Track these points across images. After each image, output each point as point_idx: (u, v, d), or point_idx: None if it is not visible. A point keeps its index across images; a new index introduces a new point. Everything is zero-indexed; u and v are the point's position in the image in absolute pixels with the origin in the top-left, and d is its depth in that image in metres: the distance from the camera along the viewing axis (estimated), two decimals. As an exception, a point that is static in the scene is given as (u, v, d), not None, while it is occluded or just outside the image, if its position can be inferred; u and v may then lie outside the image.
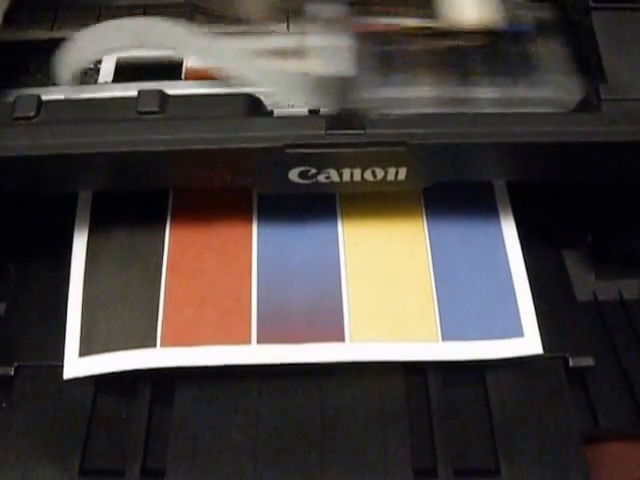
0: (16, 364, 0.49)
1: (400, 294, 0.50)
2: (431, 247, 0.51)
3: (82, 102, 0.47)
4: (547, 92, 0.51)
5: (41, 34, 0.57)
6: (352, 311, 0.49)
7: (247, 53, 0.51)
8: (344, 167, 0.46)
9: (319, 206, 0.52)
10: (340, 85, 0.49)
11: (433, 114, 0.46)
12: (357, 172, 0.46)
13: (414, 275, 0.50)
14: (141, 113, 0.45)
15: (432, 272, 0.50)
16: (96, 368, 0.47)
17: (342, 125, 0.44)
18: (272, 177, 0.47)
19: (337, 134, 0.44)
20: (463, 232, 0.52)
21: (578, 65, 0.51)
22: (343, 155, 0.45)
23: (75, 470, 0.46)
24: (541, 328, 0.50)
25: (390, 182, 0.47)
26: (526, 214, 0.54)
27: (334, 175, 0.46)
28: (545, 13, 0.54)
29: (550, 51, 0.52)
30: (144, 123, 0.45)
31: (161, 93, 0.46)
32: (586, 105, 0.47)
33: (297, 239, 0.51)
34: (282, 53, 0.53)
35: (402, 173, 0.46)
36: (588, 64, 0.49)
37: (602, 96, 0.46)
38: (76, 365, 0.47)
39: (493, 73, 0.51)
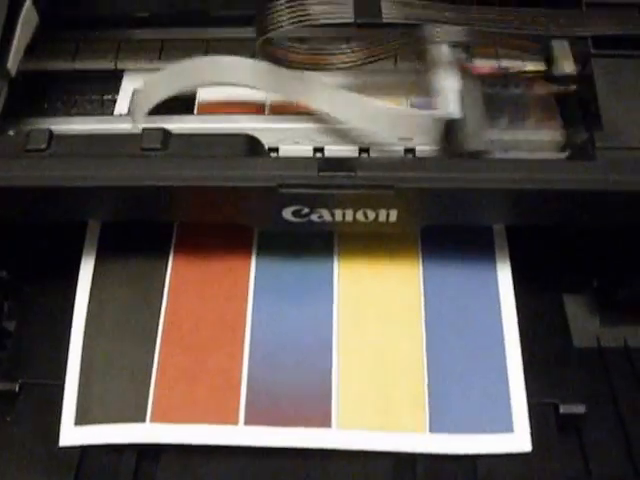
0: (21, 381, 0.51)
1: (391, 380, 0.49)
2: (426, 321, 0.51)
3: (90, 137, 0.50)
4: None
5: (62, 65, 0.60)
6: (341, 396, 0.49)
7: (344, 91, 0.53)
8: (336, 207, 0.47)
9: (316, 254, 0.53)
10: (448, 126, 0.51)
11: (423, 158, 0.47)
12: (349, 213, 0.47)
13: (407, 358, 0.50)
14: (144, 150, 0.47)
15: (425, 354, 0.50)
16: (89, 438, 0.48)
17: (334, 167, 0.45)
18: (267, 215, 0.48)
19: (328, 176, 0.45)
20: (459, 295, 0.51)
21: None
22: (334, 196, 0.46)
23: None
24: (535, 373, 0.50)
25: (382, 223, 0.48)
26: (527, 256, 0.54)
27: (326, 215, 0.48)
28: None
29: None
30: (147, 159, 0.47)
31: (164, 131, 0.48)
32: (581, 152, 0.48)
33: (292, 307, 0.51)
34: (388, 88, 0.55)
35: (393, 215, 0.47)
36: (586, 110, 0.49)
37: (597, 144, 0.46)
38: (71, 434, 0.48)
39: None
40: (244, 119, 0.55)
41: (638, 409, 0.54)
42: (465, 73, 0.54)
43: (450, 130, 0.51)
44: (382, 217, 0.48)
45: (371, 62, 0.53)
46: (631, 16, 0.50)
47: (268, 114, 0.57)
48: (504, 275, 0.52)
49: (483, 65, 0.56)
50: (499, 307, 0.51)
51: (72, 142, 0.49)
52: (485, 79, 0.55)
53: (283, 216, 0.48)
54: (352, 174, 0.45)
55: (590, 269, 0.57)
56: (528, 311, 0.53)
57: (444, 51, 0.54)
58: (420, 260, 0.52)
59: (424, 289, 0.52)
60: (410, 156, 0.49)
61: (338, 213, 0.47)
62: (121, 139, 0.49)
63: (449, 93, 0.53)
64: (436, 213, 0.49)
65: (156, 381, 0.49)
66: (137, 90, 0.56)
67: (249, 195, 0.47)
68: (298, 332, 0.50)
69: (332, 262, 0.52)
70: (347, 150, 0.54)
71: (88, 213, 0.52)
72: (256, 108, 0.57)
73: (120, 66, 0.60)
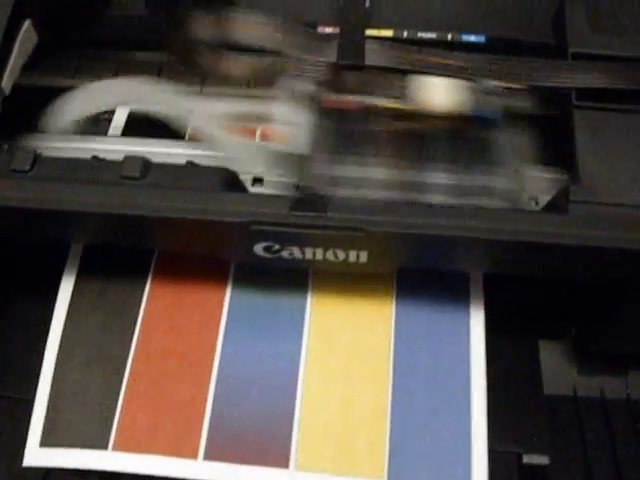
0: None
1: (353, 426, 0.49)
2: (394, 367, 0.51)
3: (73, 161, 0.50)
4: (502, 183, 0.50)
5: (63, 81, 0.60)
6: (301, 438, 0.49)
7: (218, 118, 0.53)
8: (306, 246, 0.47)
9: (291, 291, 0.53)
10: (296, 160, 0.51)
11: (396, 202, 0.47)
12: (319, 251, 0.48)
13: (371, 405, 0.50)
14: (123, 178, 0.48)
15: (390, 402, 0.50)
16: (52, 461, 0.49)
17: (305, 207, 0.46)
18: (239, 249, 0.49)
19: (299, 215, 0.46)
20: (430, 341, 0.51)
21: (547, 159, 0.51)
22: (304, 235, 0.46)
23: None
24: (502, 421, 0.50)
25: (352, 264, 0.48)
26: (505, 301, 0.54)
27: (297, 252, 0.48)
28: (519, 103, 0.53)
29: (514, 142, 0.52)
30: (124, 188, 0.48)
31: (144, 160, 0.48)
32: (556, 205, 0.47)
33: (262, 344, 0.51)
34: (249, 118, 0.55)
35: (363, 256, 0.48)
36: (564, 162, 0.49)
37: (571, 197, 0.46)
38: (35, 455, 0.49)
39: (453, 159, 0.51)
40: (183, 145, 0.55)
41: (608, 462, 0.53)
42: (320, 107, 0.53)
43: (299, 164, 0.51)
44: (352, 258, 0.48)
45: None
46: (616, 69, 0.49)
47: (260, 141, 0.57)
48: (476, 322, 0.52)
49: (340, 100, 0.54)
50: (469, 355, 0.51)
51: (55, 165, 0.50)
52: (344, 114, 0.53)
53: (255, 251, 0.48)
54: (323, 215, 0.45)
55: (569, 317, 0.57)
56: (501, 357, 0.53)
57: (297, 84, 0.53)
58: (394, 302, 0.52)
59: (395, 333, 0.51)
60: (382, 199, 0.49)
61: (309, 251, 0.48)
62: (102, 165, 0.50)
63: (300, 127, 0.52)
64: (406, 257, 0.49)
65: (121, 409, 0.50)
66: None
67: (221, 230, 0.47)
68: (265, 370, 0.50)
69: (306, 300, 0.53)
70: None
71: (67, 236, 0.53)
72: (248, 132, 0.57)
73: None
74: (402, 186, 0.51)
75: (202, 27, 0.53)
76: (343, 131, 0.52)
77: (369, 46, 0.49)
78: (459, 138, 0.52)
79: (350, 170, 0.51)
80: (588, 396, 0.56)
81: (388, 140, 0.52)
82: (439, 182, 0.51)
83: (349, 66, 0.49)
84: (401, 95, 0.52)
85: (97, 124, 0.60)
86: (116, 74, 0.61)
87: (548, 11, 0.54)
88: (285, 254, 0.48)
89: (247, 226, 0.46)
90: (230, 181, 0.49)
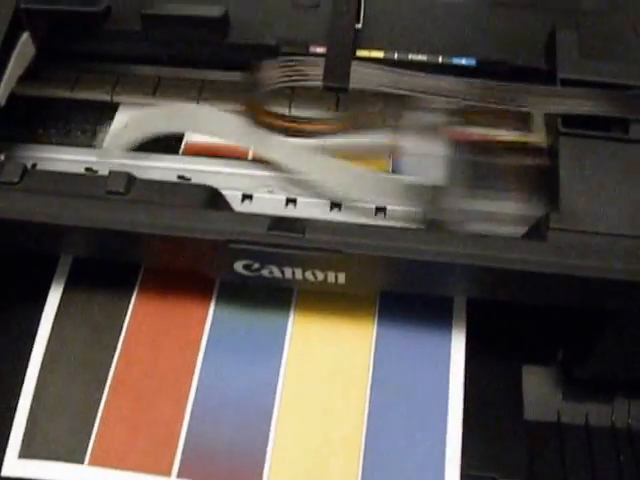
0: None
1: (327, 450, 0.49)
2: (371, 392, 0.50)
3: (61, 175, 0.51)
4: None
5: (62, 93, 0.62)
6: (274, 461, 0.49)
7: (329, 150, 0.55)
8: (285, 266, 0.48)
9: (274, 309, 0.53)
10: (429, 192, 0.51)
11: (374, 225, 0.47)
12: (298, 271, 0.48)
13: (346, 430, 0.50)
14: (108, 192, 0.49)
15: (365, 427, 0.49)
16: (31, 473, 0.49)
17: (283, 227, 0.46)
18: (221, 267, 0.49)
19: (277, 235, 0.46)
20: (409, 366, 0.51)
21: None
22: (282, 255, 0.46)
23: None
24: (479, 446, 0.50)
25: (331, 284, 0.48)
26: (490, 324, 0.53)
27: (276, 271, 0.48)
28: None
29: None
30: (108, 203, 0.48)
31: (129, 175, 0.49)
32: (536, 232, 0.47)
33: (241, 364, 0.51)
34: (374, 150, 0.56)
35: (342, 278, 0.48)
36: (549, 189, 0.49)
37: (551, 225, 0.46)
38: (14, 466, 0.50)
39: None
40: (218, 163, 0.56)
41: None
42: (448, 139, 0.54)
43: (432, 197, 0.52)
44: (331, 279, 0.48)
45: (354, 131, 0.53)
46: (603, 96, 0.49)
47: (251, 160, 0.58)
48: (457, 346, 0.52)
49: (465, 132, 0.55)
50: (447, 379, 0.51)
51: (44, 178, 0.50)
52: (469, 146, 0.55)
53: (235, 269, 0.48)
54: (300, 236, 0.46)
55: (556, 342, 0.56)
56: (483, 381, 0.53)
57: (425, 116, 0.54)
58: (375, 323, 0.52)
59: (375, 356, 0.51)
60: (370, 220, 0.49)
61: (288, 271, 0.48)
62: (88, 180, 0.51)
63: (433, 159, 0.53)
64: (385, 281, 0.49)
65: (100, 424, 0.50)
66: (116, 128, 0.59)
67: (202, 247, 0.48)
68: (242, 391, 0.51)
69: (287, 320, 0.53)
70: (319, 203, 0.55)
71: (53, 249, 0.54)
72: (240, 153, 0.58)
73: (116, 99, 0.62)
74: (530, 221, 0.51)
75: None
76: (473, 164, 0.53)
77: (355, 68, 0.49)
78: None
79: (481, 204, 0.52)
80: (572, 423, 0.56)
81: (516, 174, 0.54)
82: None
83: (333, 88, 0.49)
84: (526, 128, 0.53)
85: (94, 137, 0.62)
86: (114, 87, 0.62)
87: (540, 35, 0.54)
88: (265, 273, 0.48)
89: (226, 244, 0.46)
90: (213, 199, 0.49)
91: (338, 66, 0.49)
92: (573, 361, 0.55)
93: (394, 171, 0.56)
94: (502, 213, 0.52)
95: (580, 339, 0.53)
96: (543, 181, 0.52)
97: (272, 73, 0.51)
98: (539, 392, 0.56)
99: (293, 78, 0.51)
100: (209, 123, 0.56)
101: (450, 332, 0.52)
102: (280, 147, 0.54)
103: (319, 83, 0.49)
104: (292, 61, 0.51)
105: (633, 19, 0.57)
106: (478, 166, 0.54)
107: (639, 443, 0.54)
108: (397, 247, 0.45)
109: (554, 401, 0.56)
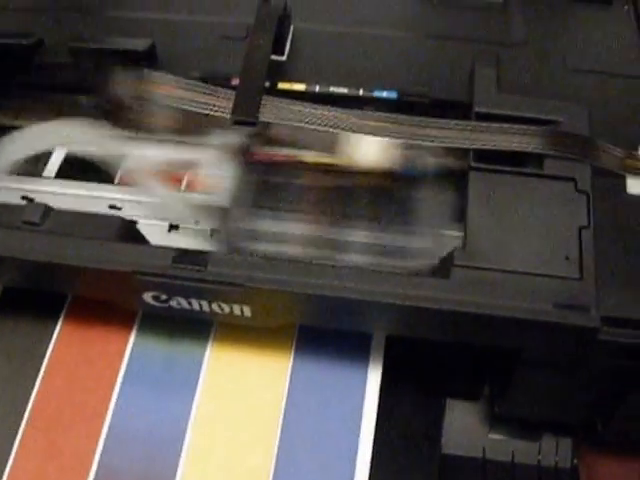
0: None
1: None
2: (282, 431, 0.50)
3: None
4: (420, 243, 0.50)
5: (5, 121, 0.62)
6: None
7: (148, 163, 0.55)
8: (191, 297, 0.48)
9: (192, 340, 0.53)
10: (217, 212, 0.52)
11: (278, 259, 0.47)
12: (204, 303, 0.48)
13: (254, 468, 0.49)
14: (24, 223, 0.49)
15: (273, 465, 0.49)
16: None
17: (187, 260, 0.46)
18: (130, 297, 0.50)
19: (180, 267, 0.46)
20: (323, 403, 0.51)
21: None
22: (186, 287, 0.47)
23: None
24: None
25: (238, 317, 0.48)
26: (411, 358, 0.53)
27: (184, 303, 0.48)
28: (449, 160, 0.53)
29: (439, 200, 0.52)
30: (23, 233, 0.49)
31: (45, 207, 0.50)
32: (441, 269, 0.47)
33: (155, 397, 0.51)
34: (177, 165, 0.55)
35: (247, 311, 0.48)
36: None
37: (455, 261, 0.46)
38: None
39: (375, 217, 0.52)
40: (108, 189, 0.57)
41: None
42: (248, 159, 0.54)
43: (220, 217, 0.52)
44: (237, 311, 0.48)
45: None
46: (514, 131, 0.49)
47: (185, 189, 0.58)
48: (372, 382, 0.51)
49: (268, 153, 0.54)
50: (360, 417, 0.50)
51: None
52: (265, 167, 0.54)
53: (145, 300, 0.49)
54: (203, 269, 0.46)
55: (481, 377, 0.56)
56: (400, 416, 0.52)
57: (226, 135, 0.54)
58: (291, 359, 0.52)
59: (288, 392, 0.51)
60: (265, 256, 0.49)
61: (194, 303, 0.48)
62: (7, 209, 0.51)
63: (224, 178, 0.53)
64: (290, 314, 0.49)
65: (15, 454, 0.50)
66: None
67: (110, 278, 0.48)
68: (154, 425, 0.51)
69: (204, 353, 0.53)
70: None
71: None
72: (176, 180, 0.58)
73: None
74: (320, 243, 0.51)
75: (122, 86, 0.54)
76: (268, 184, 0.53)
77: (266, 102, 0.49)
78: (384, 195, 0.53)
79: (270, 225, 0.52)
80: (497, 459, 0.55)
81: (313, 195, 0.53)
82: (358, 240, 0.51)
83: (242, 122, 0.49)
84: (330, 150, 0.52)
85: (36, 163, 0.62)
86: (58, 115, 0.63)
87: (464, 67, 0.54)
88: (174, 303, 0.49)
89: (132, 276, 0.47)
90: (126, 230, 0.50)
91: (248, 99, 0.49)
92: (495, 398, 0.54)
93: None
94: (291, 234, 0.52)
95: (499, 376, 0.53)
96: (337, 201, 0.52)
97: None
98: (465, 427, 0.56)
99: (203, 109, 0.51)
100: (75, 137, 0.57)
101: (366, 366, 0.52)
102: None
103: (227, 114, 0.49)
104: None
105: (563, 50, 0.56)
106: (272, 186, 0.53)
107: (565, 482, 0.54)
108: (298, 282, 0.45)
109: (480, 437, 0.56)
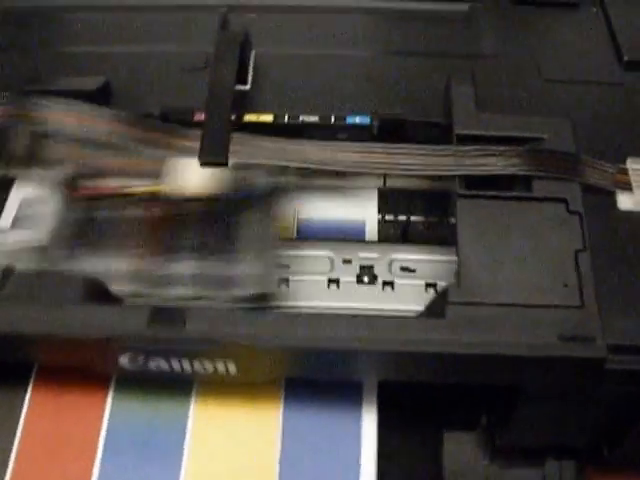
0: None
1: None
2: None
3: None
4: (246, 270, 0.47)
5: None
6: None
7: None
8: (171, 357, 0.44)
9: (173, 402, 0.49)
10: (34, 253, 0.49)
11: (260, 313, 0.44)
12: (186, 362, 0.45)
13: None
14: (-19, 289, 0.45)
15: None
16: None
17: (162, 318, 0.43)
18: (106, 362, 0.46)
19: (157, 327, 0.43)
20: (317, 460, 0.48)
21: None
22: (165, 347, 0.43)
23: None
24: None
25: (222, 375, 0.45)
26: (405, 393, 0.50)
27: (163, 364, 0.45)
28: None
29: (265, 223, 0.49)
30: (-18, 301, 0.45)
31: (4, 270, 0.46)
32: (435, 307, 0.44)
33: (138, 469, 0.48)
34: None
35: (232, 367, 0.45)
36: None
37: (449, 299, 0.43)
38: None
39: (200, 246, 0.48)
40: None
41: None
42: (68, 195, 0.51)
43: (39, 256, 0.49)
44: (221, 368, 0.45)
45: None
46: (503, 153, 0.46)
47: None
48: (368, 427, 0.48)
49: (93, 186, 0.51)
50: (358, 464, 0.47)
51: None
52: (88, 201, 0.51)
53: (121, 364, 0.45)
54: (181, 326, 0.43)
55: (478, 407, 0.53)
56: (399, 455, 0.50)
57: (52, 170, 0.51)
58: (281, 414, 0.48)
59: (282, 446, 0.48)
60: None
61: (175, 362, 0.45)
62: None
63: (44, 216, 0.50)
64: (277, 368, 0.46)
65: None
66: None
67: (83, 344, 0.44)
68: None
69: (187, 415, 0.49)
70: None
71: None
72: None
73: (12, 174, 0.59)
74: (144, 279, 0.48)
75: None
76: (93, 219, 0.50)
77: (235, 140, 0.46)
78: (210, 221, 0.49)
79: (90, 263, 0.48)
80: (501, 487, 0.53)
81: (140, 227, 0.49)
82: (182, 272, 0.48)
83: (212, 163, 0.46)
84: (158, 178, 0.49)
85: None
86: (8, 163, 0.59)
87: (439, 86, 0.51)
88: (152, 365, 0.45)
89: (105, 341, 0.43)
90: (94, 291, 0.46)
91: (215, 139, 0.46)
92: (495, 429, 0.52)
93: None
94: (112, 271, 0.48)
95: (497, 407, 0.50)
96: (164, 233, 0.49)
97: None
98: (465, 456, 0.53)
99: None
100: None
101: (360, 412, 0.48)
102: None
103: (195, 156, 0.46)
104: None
105: (536, 59, 0.54)
106: (96, 221, 0.50)
107: (572, 508, 0.52)
108: (282, 335, 0.42)
109: (481, 467, 0.53)
